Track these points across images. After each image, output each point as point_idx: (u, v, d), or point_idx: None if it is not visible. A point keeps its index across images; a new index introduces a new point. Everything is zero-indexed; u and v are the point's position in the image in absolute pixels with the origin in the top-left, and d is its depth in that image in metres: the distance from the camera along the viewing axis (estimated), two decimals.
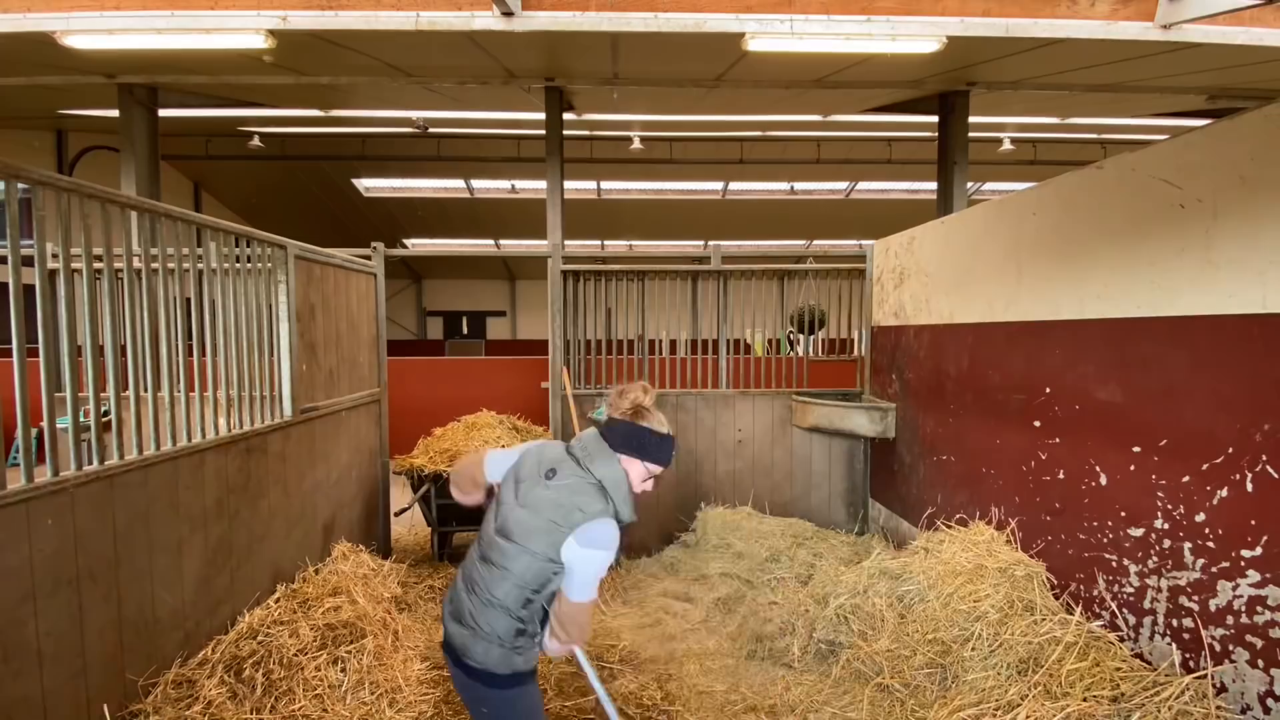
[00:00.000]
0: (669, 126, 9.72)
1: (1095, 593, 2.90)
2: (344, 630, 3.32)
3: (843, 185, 13.69)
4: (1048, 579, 3.15)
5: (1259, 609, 2.20)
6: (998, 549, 3.34)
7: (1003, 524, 3.52)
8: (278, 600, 3.38)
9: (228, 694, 2.76)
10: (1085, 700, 2.40)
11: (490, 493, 2.21)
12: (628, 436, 1.94)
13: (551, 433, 5.45)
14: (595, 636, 3.99)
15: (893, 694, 2.99)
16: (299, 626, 3.20)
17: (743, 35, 5.16)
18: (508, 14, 4.91)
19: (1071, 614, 2.89)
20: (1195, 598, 2.43)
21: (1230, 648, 2.29)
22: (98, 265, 2.44)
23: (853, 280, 5.51)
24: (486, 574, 1.89)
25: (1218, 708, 2.24)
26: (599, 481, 1.89)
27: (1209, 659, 2.35)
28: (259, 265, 3.46)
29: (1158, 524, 2.58)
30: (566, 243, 6.09)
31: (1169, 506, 2.53)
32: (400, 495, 5.37)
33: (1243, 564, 2.25)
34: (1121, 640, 2.74)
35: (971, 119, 7.30)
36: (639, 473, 1.98)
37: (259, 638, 3.05)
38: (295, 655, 3.04)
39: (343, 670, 3.13)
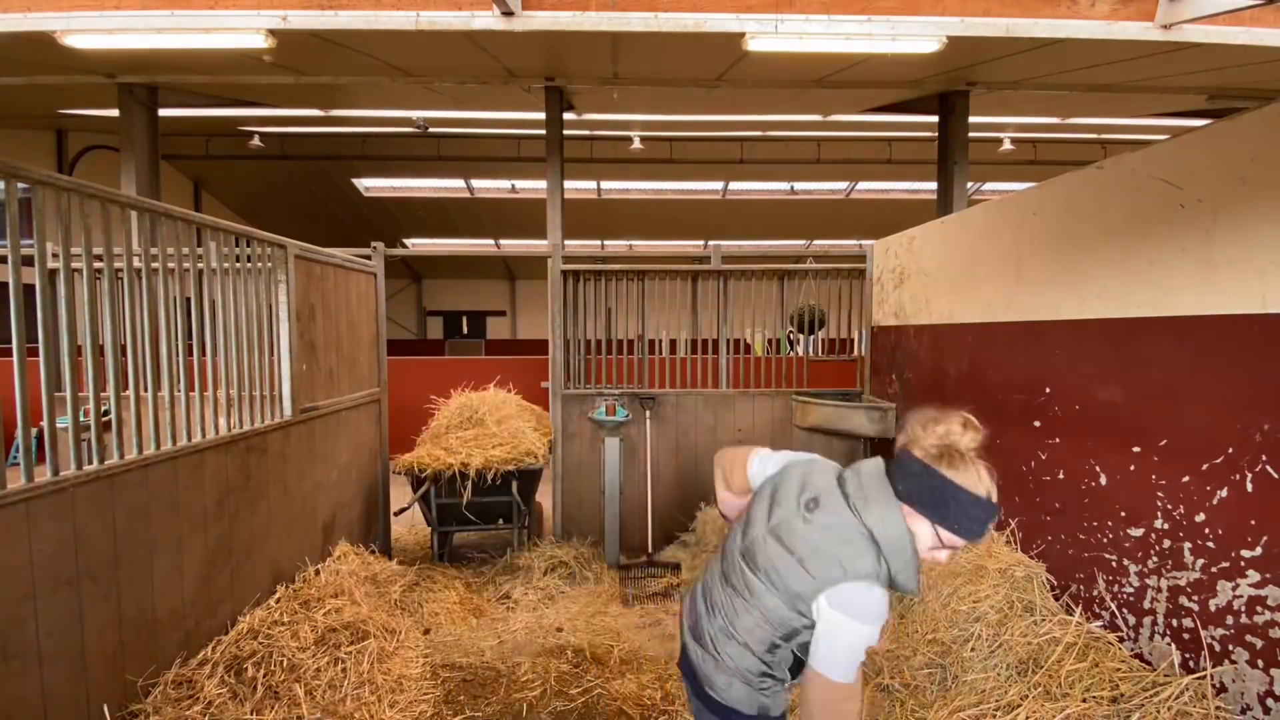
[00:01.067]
0: (669, 126, 9.71)
1: (1095, 593, 2.90)
2: (344, 631, 3.32)
3: (843, 185, 13.69)
4: (1047, 580, 3.14)
5: (1259, 609, 2.20)
6: (998, 549, 3.35)
7: (1003, 524, 3.52)
8: (278, 600, 3.38)
9: (228, 694, 2.76)
10: (1085, 701, 2.40)
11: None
12: (925, 486, 1.46)
13: (552, 431, 5.44)
14: (595, 635, 4.00)
15: (893, 694, 2.99)
16: (300, 627, 3.20)
17: (743, 35, 5.16)
18: (508, 14, 4.91)
19: (1071, 614, 2.89)
20: (1195, 598, 2.43)
21: (1230, 648, 2.29)
22: (98, 265, 2.44)
23: (853, 280, 5.51)
24: (729, 600, 1.62)
25: (1217, 708, 2.24)
26: (870, 533, 1.46)
27: (1209, 659, 2.35)
28: (259, 265, 3.46)
29: (1157, 524, 2.58)
30: (566, 243, 6.08)
31: (1169, 506, 2.54)
32: (400, 495, 5.37)
33: (1242, 564, 2.25)
34: (1121, 640, 2.74)
35: (971, 119, 7.30)
36: (928, 537, 1.48)
37: (260, 638, 3.06)
38: (296, 656, 3.05)
39: (344, 671, 3.13)
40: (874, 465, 1.58)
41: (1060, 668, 2.59)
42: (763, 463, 1.78)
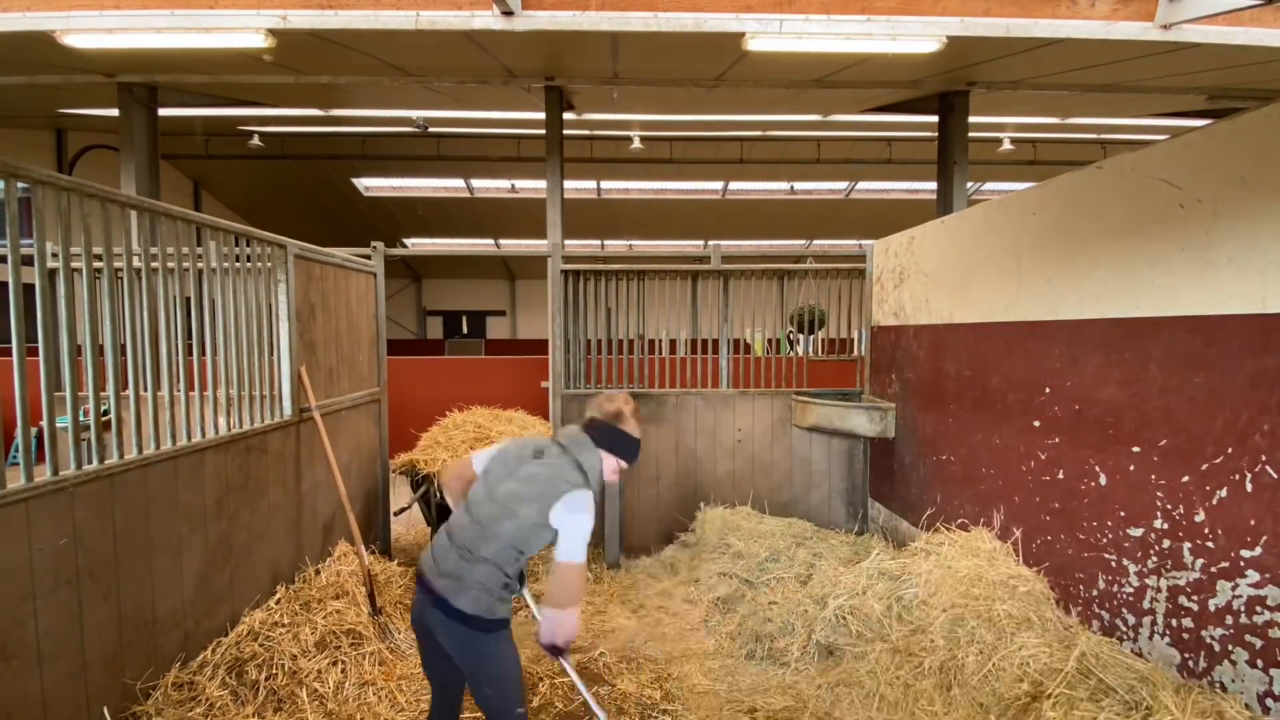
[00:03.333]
0: (669, 126, 9.71)
1: (1095, 593, 2.90)
2: (345, 633, 3.32)
3: (842, 185, 13.69)
4: (1049, 591, 3.14)
5: (1258, 609, 2.20)
6: (999, 559, 3.33)
7: (1005, 533, 3.51)
8: (279, 601, 3.38)
9: (230, 696, 2.77)
10: None
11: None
12: (609, 435, 2.31)
13: (552, 430, 5.44)
14: (595, 636, 4.00)
15: (888, 699, 2.99)
16: (300, 629, 3.20)
17: (742, 35, 5.16)
18: (508, 13, 4.91)
19: (1073, 629, 2.90)
20: (1195, 598, 2.43)
21: (1230, 648, 2.29)
22: (97, 264, 2.44)
23: (853, 280, 5.51)
24: (476, 534, 2.15)
25: None
26: (579, 464, 2.22)
27: (1208, 659, 2.35)
28: (259, 264, 3.46)
29: (1157, 524, 2.58)
30: (566, 242, 6.09)
31: (1168, 506, 2.54)
32: (400, 494, 5.37)
33: (1242, 564, 2.25)
34: (1121, 641, 2.74)
35: (971, 119, 7.30)
36: (611, 465, 2.34)
37: (260, 640, 3.05)
38: (297, 657, 3.05)
39: (344, 671, 3.13)
40: (575, 429, 2.35)
41: (1056, 689, 2.58)
42: (481, 456, 2.39)
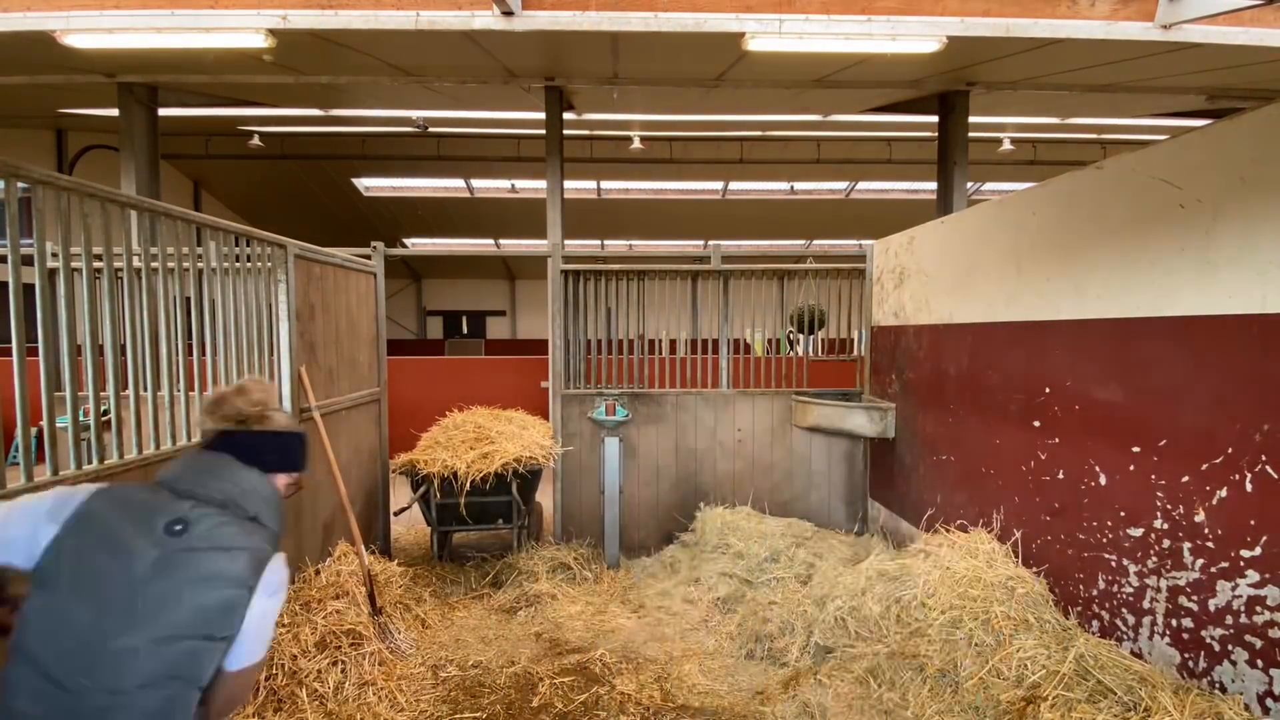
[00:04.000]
0: (669, 126, 9.71)
1: (1094, 593, 2.90)
2: (345, 633, 3.32)
3: (843, 185, 13.68)
4: (1049, 593, 3.14)
5: (1258, 609, 2.20)
6: (998, 560, 3.32)
7: (1005, 534, 3.51)
8: None
9: None
10: None
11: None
12: (267, 445, 1.56)
13: (552, 430, 5.44)
14: (595, 636, 4.00)
15: (886, 701, 2.99)
16: (300, 629, 3.20)
17: (742, 35, 5.15)
18: (508, 13, 4.90)
19: (1071, 630, 2.90)
20: (1194, 598, 2.43)
21: (1229, 648, 2.29)
22: (97, 264, 2.44)
23: (853, 280, 5.51)
24: (97, 703, 1.21)
25: None
26: (254, 515, 1.47)
27: (1208, 659, 2.35)
28: (259, 264, 3.46)
29: (1157, 524, 2.58)
30: (566, 242, 6.08)
31: (1168, 506, 2.54)
32: (400, 494, 5.37)
33: (1242, 564, 2.25)
34: (1121, 641, 2.74)
35: (971, 119, 7.29)
36: (282, 482, 1.62)
37: None
38: (297, 657, 3.05)
39: (344, 672, 3.14)
40: (205, 458, 1.50)
41: (1053, 690, 2.58)
42: (12, 526, 1.31)
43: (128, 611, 1.26)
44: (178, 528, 1.35)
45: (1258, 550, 2.20)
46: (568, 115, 7.32)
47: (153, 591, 1.28)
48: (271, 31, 5.14)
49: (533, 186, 13.08)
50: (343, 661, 3.18)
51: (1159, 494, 2.58)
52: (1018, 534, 3.40)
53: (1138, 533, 2.67)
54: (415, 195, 14.07)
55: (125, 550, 1.29)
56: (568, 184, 7.60)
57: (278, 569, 1.45)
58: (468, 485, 4.64)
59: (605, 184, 13.74)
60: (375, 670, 3.27)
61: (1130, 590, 2.71)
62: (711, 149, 11.10)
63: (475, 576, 4.89)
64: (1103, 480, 2.85)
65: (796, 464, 5.48)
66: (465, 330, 21.16)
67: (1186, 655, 2.46)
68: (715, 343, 5.55)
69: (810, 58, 5.82)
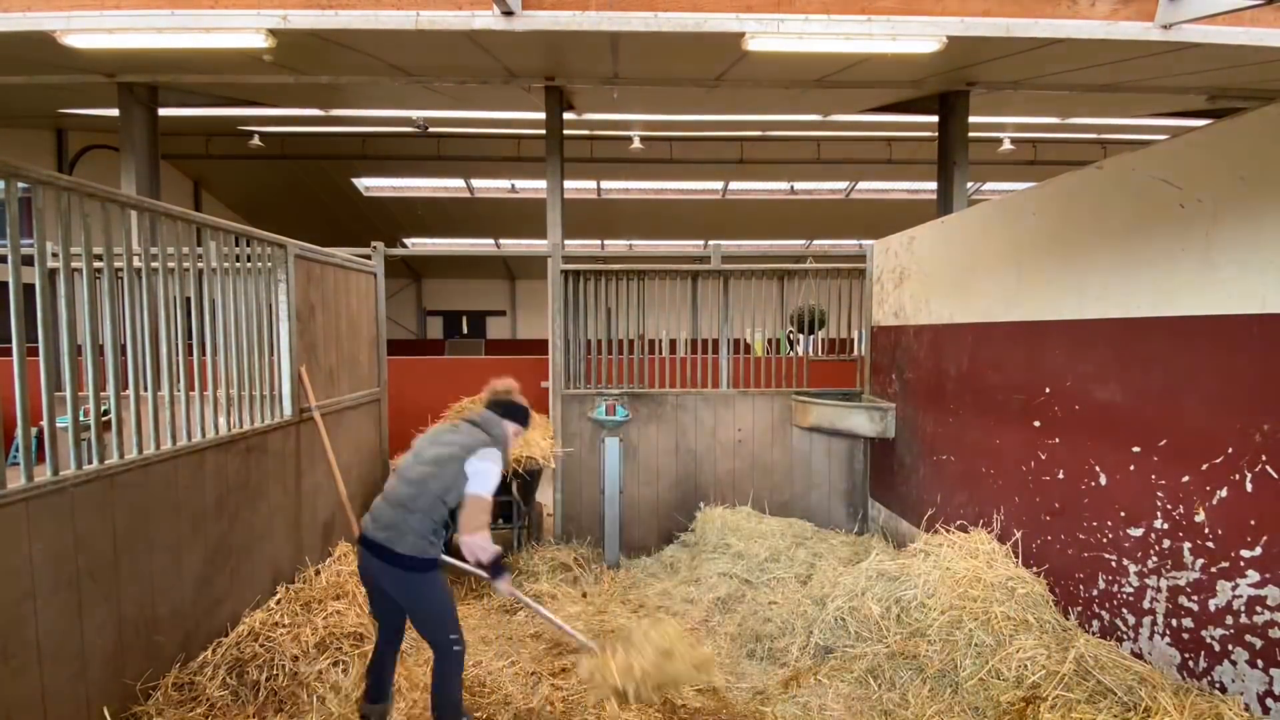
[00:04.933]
0: (669, 126, 9.70)
1: (1095, 592, 2.90)
2: (346, 634, 3.32)
3: (843, 185, 13.68)
4: (1049, 593, 3.14)
5: (1258, 609, 2.20)
6: (998, 561, 3.33)
7: (1006, 534, 3.51)
8: (279, 602, 3.38)
9: (230, 696, 2.77)
10: None
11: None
12: (506, 407, 2.89)
13: (552, 430, 5.44)
14: (595, 635, 3.98)
15: (886, 701, 2.99)
16: (301, 630, 3.20)
17: (742, 35, 5.15)
18: (508, 13, 4.91)
19: (1071, 631, 2.90)
20: (1195, 598, 2.43)
21: (1230, 647, 2.29)
22: (98, 264, 2.44)
23: (853, 280, 5.51)
24: (408, 492, 2.58)
25: None
26: (489, 433, 2.73)
27: (1208, 659, 2.35)
28: (259, 264, 3.46)
29: (1157, 524, 2.58)
30: (566, 242, 6.07)
31: (1169, 506, 2.54)
32: None
33: (1242, 564, 2.25)
34: (1121, 641, 2.74)
35: (971, 119, 7.28)
36: (512, 429, 2.88)
37: (261, 640, 3.05)
38: (298, 658, 3.05)
39: (345, 672, 3.13)
40: (478, 410, 2.90)
41: (1052, 690, 2.58)
42: (407, 457, 2.80)
43: (435, 445, 2.70)
44: (454, 429, 2.76)
45: (1258, 550, 2.20)
46: (568, 115, 7.32)
47: (441, 442, 2.69)
48: (271, 31, 5.14)
49: (533, 186, 13.08)
50: (344, 662, 3.18)
51: (1159, 494, 2.58)
52: (1018, 535, 3.40)
53: (1138, 533, 2.67)
54: (415, 195, 14.07)
55: (435, 433, 2.80)
56: (568, 184, 7.59)
57: (490, 450, 2.65)
58: None
59: (605, 184, 13.73)
60: None
61: (1130, 590, 2.71)
62: (711, 149, 11.09)
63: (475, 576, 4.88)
64: (1103, 480, 2.85)
65: (796, 464, 5.48)
66: (465, 330, 21.16)
67: (1187, 655, 2.46)
68: (715, 342, 5.55)
69: (810, 58, 5.81)
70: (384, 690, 2.80)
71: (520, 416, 2.92)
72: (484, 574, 2.66)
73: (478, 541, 2.49)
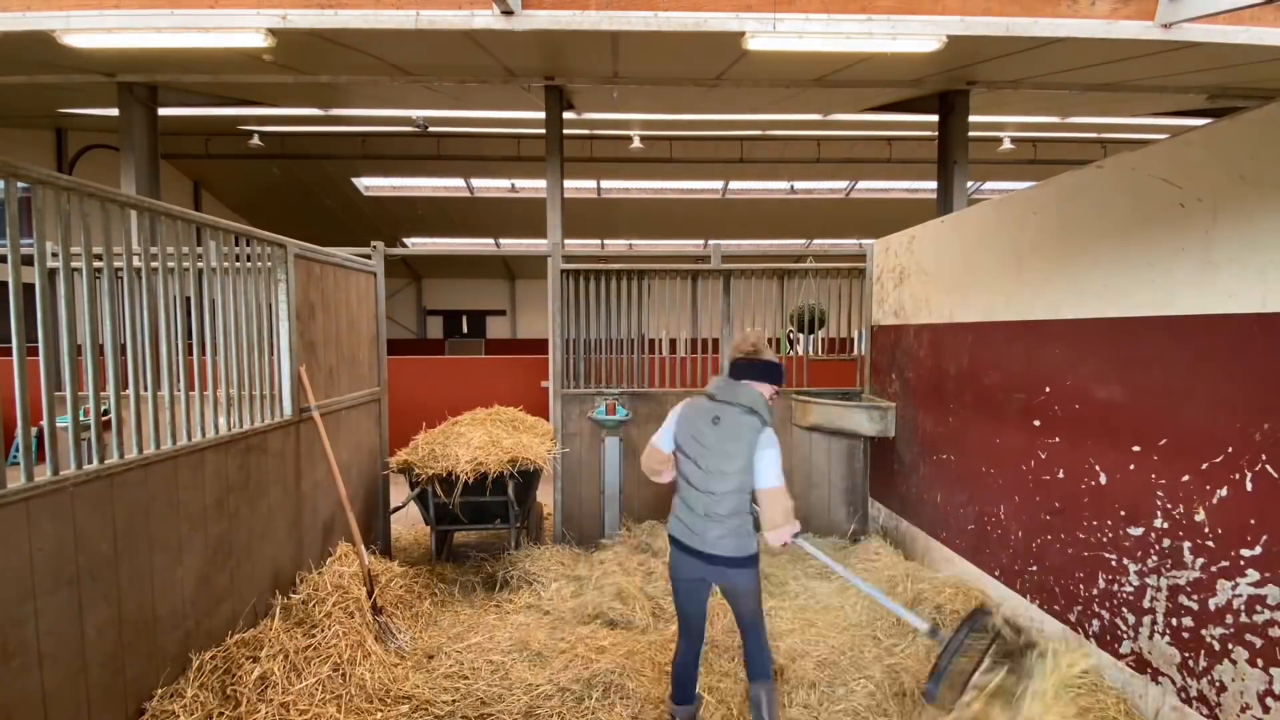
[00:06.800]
0: (669, 126, 9.70)
1: (1095, 592, 2.90)
2: (346, 635, 3.32)
3: (843, 185, 13.68)
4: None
5: (1258, 608, 2.20)
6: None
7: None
8: (279, 602, 3.38)
9: (230, 697, 2.76)
10: None
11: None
12: (756, 368, 2.71)
13: (553, 429, 5.44)
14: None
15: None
16: (301, 630, 3.20)
17: (742, 34, 5.15)
18: (508, 13, 4.91)
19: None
20: (1194, 597, 2.43)
21: (1230, 647, 2.29)
22: (97, 264, 2.44)
23: (853, 280, 5.51)
24: (710, 502, 2.64)
25: None
26: (748, 406, 2.62)
27: (1208, 658, 2.35)
28: (259, 264, 3.45)
29: (1157, 523, 2.58)
30: (566, 242, 6.08)
31: (1169, 506, 2.54)
32: (401, 493, 5.36)
33: (1242, 563, 2.25)
34: (1120, 640, 2.74)
35: (971, 118, 7.29)
36: (767, 391, 2.72)
37: (260, 641, 3.05)
38: (297, 658, 3.05)
39: (344, 674, 3.13)
40: (721, 380, 2.77)
41: None
42: (662, 438, 2.83)
43: (709, 448, 2.65)
44: (715, 421, 2.66)
45: (1258, 549, 2.21)
46: (568, 115, 7.32)
47: (713, 444, 2.64)
48: (271, 31, 5.15)
49: (533, 186, 13.09)
50: (344, 664, 3.18)
51: (1159, 493, 2.58)
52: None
53: (1138, 532, 2.67)
54: (415, 195, 14.07)
55: (699, 433, 2.69)
56: (568, 183, 7.60)
57: (765, 434, 2.58)
58: (471, 482, 4.62)
59: (605, 183, 13.74)
60: (376, 669, 3.27)
61: (1130, 589, 2.71)
62: (711, 148, 11.10)
63: (475, 576, 4.88)
64: (1103, 479, 2.86)
65: (797, 463, 5.48)
66: (465, 330, 21.16)
67: (1186, 654, 2.46)
68: (716, 342, 5.55)
69: (810, 57, 5.82)
70: (690, 691, 2.92)
71: (775, 376, 2.74)
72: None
73: (786, 532, 2.58)
